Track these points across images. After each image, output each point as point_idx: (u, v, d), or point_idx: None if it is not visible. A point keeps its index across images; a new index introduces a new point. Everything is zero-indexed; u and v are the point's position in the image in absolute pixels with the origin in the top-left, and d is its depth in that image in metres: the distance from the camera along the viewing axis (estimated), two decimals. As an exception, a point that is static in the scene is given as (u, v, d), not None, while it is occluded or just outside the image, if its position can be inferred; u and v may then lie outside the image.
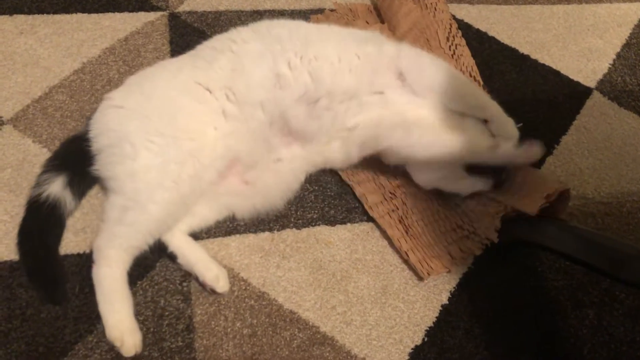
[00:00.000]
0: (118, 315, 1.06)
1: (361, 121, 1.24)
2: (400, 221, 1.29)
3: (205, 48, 1.28)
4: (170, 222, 1.15)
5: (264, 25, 1.30)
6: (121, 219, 1.10)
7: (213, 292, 1.14)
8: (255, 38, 1.25)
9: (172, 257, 1.17)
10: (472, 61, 1.66)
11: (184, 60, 1.28)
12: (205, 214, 1.23)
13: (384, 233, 1.29)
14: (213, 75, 1.20)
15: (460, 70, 1.61)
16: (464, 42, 1.69)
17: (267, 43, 1.23)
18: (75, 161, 1.19)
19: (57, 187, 1.16)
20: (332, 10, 1.74)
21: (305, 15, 1.76)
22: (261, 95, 1.20)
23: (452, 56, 1.64)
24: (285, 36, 1.24)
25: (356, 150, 1.28)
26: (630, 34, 1.94)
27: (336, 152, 1.29)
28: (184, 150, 1.13)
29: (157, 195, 1.10)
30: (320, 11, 1.77)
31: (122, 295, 1.08)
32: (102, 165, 1.16)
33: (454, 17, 1.86)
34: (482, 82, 1.60)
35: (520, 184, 1.28)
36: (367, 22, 1.69)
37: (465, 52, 1.67)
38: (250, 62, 1.21)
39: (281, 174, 1.27)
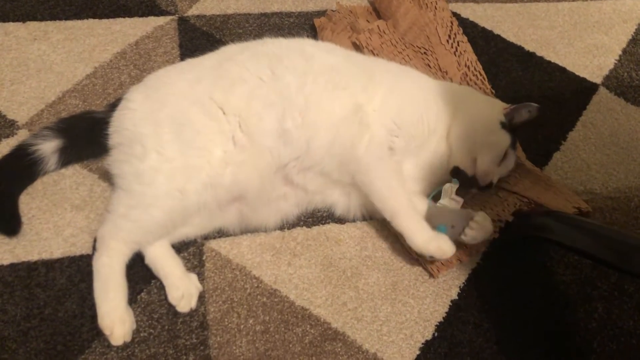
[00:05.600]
0: (111, 304, 1.08)
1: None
2: None
3: (227, 63, 1.24)
4: (171, 228, 1.17)
5: (279, 55, 1.25)
6: (126, 215, 1.12)
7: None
8: (269, 78, 1.21)
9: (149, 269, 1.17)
10: (474, 57, 1.68)
11: (206, 70, 1.23)
12: (193, 229, 1.22)
13: (393, 230, 1.30)
14: (231, 98, 1.18)
15: (465, 65, 1.63)
16: (465, 38, 1.71)
17: (277, 89, 1.20)
18: (79, 135, 1.25)
19: (48, 148, 1.22)
20: (333, 11, 1.77)
21: (311, 17, 1.79)
22: (269, 143, 1.18)
23: (455, 53, 1.66)
24: (294, 86, 1.20)
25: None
26: (636, 29, 1.95)
27: (335, 202, 1.32)
28: (191, 165, 1.14)
29: (161, 201, 1.12)
30: (324, 13, 1.79)
31: (118, 285, 1.10)
32: (113, 162, 1.19)
33: (459, 15, 1.87)
34: (486, 78, 1.62)
35: (542, 182, 1.34)
36: (368, 21, 1.72)
37: (468, 48, 1.69)
38: (262, 107, 1.19)
39: (280, 209, 1.27)
